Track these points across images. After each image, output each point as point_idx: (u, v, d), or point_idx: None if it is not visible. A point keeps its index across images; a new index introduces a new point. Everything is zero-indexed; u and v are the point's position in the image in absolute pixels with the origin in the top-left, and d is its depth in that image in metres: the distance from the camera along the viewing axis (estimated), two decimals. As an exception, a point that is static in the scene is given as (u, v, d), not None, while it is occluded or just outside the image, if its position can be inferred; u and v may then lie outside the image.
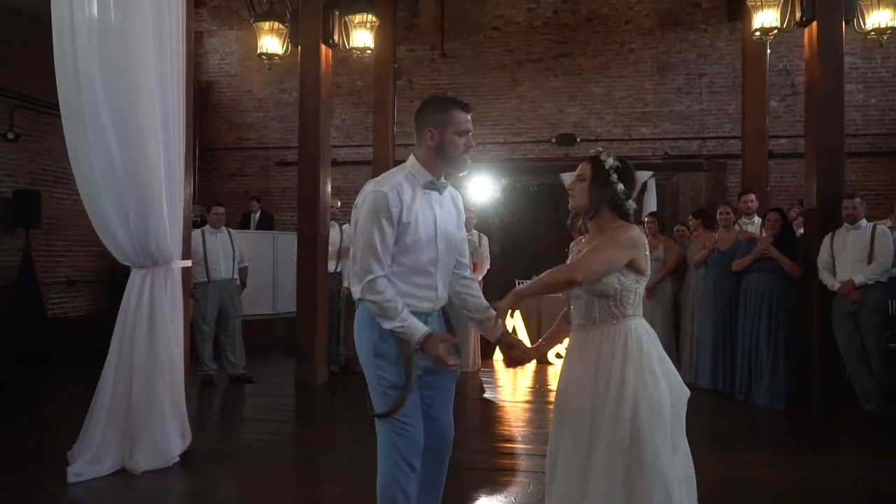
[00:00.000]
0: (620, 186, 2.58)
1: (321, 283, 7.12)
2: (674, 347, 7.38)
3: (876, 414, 5.55)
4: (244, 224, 10.50)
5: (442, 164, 2.70)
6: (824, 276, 5.85)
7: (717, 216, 6.90)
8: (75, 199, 9.42)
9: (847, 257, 5.69)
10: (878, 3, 6.08)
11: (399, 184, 2.62)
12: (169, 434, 4.45)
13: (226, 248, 7.22)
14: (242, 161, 11.50)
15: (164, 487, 4.20)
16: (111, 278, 9.71)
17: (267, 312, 9.92)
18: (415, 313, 2.62)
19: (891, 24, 6.15)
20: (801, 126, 9.90)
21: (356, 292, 2.69)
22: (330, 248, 7.50)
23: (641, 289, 2.59)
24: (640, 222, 8.09)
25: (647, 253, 2.58)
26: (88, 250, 9.72)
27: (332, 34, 6.94)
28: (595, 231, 2.67)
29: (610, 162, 2.60)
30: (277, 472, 4.53)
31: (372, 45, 7.19)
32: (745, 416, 6.01)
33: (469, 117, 2.71)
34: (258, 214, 10.78)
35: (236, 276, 7.32)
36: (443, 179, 2.75)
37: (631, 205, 2.60)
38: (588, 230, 2.71)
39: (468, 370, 7.78)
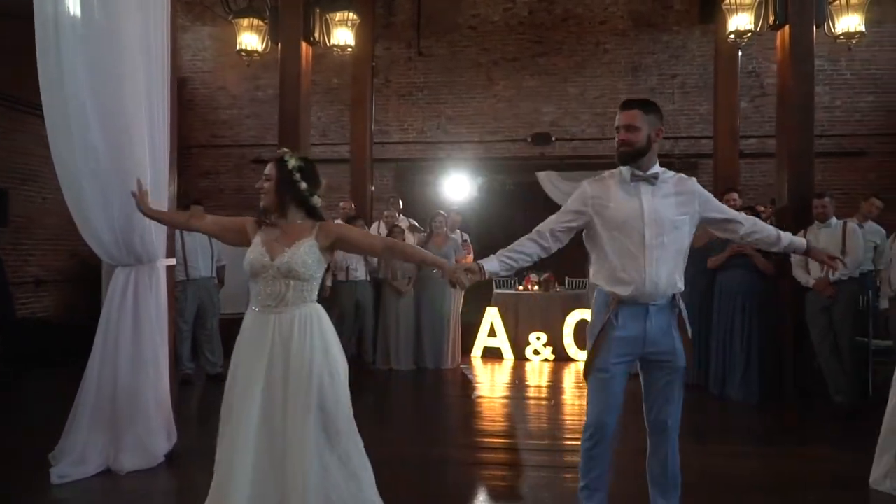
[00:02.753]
0: (304, 185, 2.93)
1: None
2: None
3: (846, 406, 5.72)
4: None
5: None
6: (798, 273, 6.00)
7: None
8: (45, 197, 9.29)
9: (820, 254, 5.84)
10: (847, 8, 6.26)
11: (604, 179, 3.08)
12: (154, 434, 4.42)
13: (204, 247, 7.16)
14: (217, 159, 11.39)
15: (149, 487, 4.16)
16: (80, 278, 9.58)
17: (243, 311, 9.82)
18: (627, 303, 2.96)
19: (859, 28, 6.33)
20: (770, 126, 10.15)
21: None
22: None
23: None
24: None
25: None
26: (57, 249, 9.56)
27: (313, 32, 6.93)
28: (285, 227, 2.99)
29: (293, 162, 2.94)
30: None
31: (353, 43, 7.19)
32: (719, 410, 6.15)
33: (622, 114, 3.01)
34: None
35: (214, 274, 7.28)
36: (654, 170, 2.99)
37: (317, 201, 3.01)
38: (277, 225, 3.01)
39: (447, 367, 7.84)
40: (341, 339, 7.81)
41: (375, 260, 7.74)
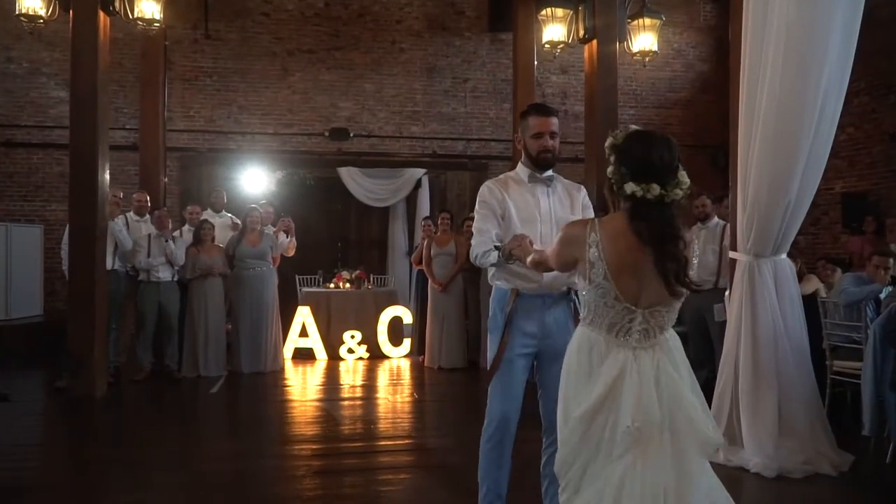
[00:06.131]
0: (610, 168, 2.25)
1: (100, 283, 6.24)
2: (464, 337, 7.77)
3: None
4: None
5: (532, 163, 3.09)
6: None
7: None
8: None
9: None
10: (644, 28, 6.98)
11: (503, 180, 3.15)
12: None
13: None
14: (-46, 140, 9.63)
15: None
16: None
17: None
18: (526, 296, 3.00)
19: (653, 48, 7.09)
20: (549, 133, 10.98)
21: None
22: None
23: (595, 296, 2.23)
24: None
25: (593, 253, 2.19)
26: None
27: (113, 1, 6.12)
28: None
29: (609, 140, 2.30)
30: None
31: (160, 18, 6.46)
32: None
33: (546, 120, 3.04)
34: None
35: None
36: (549, 173, 3.10)
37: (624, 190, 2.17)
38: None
39: (266, 371, 7.41)
40: (139, 346, 7.13)
41: (180, 259, 7.06)
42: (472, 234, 3.23)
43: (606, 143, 2.28)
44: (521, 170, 3.14)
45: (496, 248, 2.98)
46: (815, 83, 3.98)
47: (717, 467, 4.23)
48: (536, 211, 3.06)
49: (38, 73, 9.87)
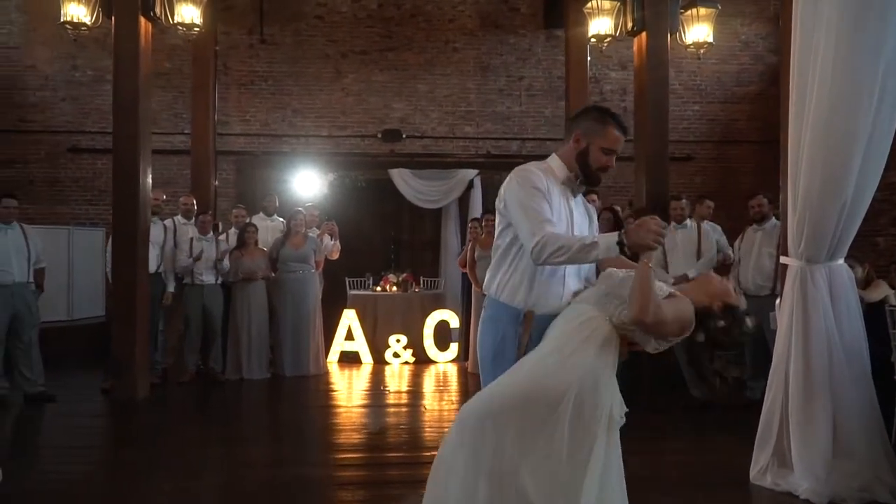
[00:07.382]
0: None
1: (142, 286, 6.31)
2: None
3: (702, 399, 6.00)
4: None
5: (578, 170, 2.65)
6: (658, 272, 6.21)
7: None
8: None
9: (678, 253, 6.10)
10: (697, 19, 6.59)
11: (546, 170, 2.65)
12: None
13: (19, 247, 6.19)
14: (24, 146, 9.99)
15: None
16: None
17: (61, 319, 8.70)
18: (542, 318, 2.54)
19: (708, 39, 6.69)
20: (608, 131, 10.59)
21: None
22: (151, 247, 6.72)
23: None
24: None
25: None
26: None
27: (154, 6, 6.18)
28: None
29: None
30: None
31: (200, 22, 6.49)
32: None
33: (622, 140, 2.67)
34: None
35: (31, 278, 6.32)
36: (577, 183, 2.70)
37: None
38: None
39: (309, 374, 7.38)
40: (186, 348, 7.20)
41: (226, 263, 7.10)
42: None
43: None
44: (559, 166, 2.65)
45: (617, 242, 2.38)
46: (872, 66, 3.56)
47: (764, 492, 3.94)
48: (569, 220, 2.62)
49: (102, 80, 10.12)
